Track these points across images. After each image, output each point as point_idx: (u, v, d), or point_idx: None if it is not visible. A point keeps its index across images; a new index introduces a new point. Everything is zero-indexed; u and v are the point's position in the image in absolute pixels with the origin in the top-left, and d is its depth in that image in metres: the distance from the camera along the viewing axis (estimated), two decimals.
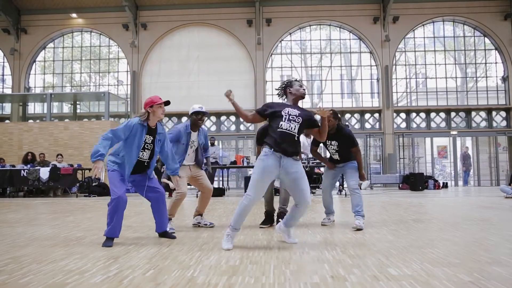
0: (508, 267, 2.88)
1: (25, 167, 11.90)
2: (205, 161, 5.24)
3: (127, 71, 17.62)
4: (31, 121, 17.35)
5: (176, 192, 4.87)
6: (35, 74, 18.22)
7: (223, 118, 17.26)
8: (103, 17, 17.37)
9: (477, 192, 12.53)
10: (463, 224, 5.13)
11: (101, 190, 12.12)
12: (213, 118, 17.26)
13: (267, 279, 2.64)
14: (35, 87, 18.20)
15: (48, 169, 11.65)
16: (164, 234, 4.28)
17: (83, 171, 12.86)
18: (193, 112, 4.92)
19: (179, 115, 17.10)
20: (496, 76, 17.14)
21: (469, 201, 8.82)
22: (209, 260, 3.22)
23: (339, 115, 5.07)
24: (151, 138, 4.08)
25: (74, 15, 17.47)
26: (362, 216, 4.82)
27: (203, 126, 5.12)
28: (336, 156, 5.13)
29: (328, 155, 5.38)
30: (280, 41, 17.26)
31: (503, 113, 16.90)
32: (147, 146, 4.06)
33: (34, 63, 18.11)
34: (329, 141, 5.08)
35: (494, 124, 16.86)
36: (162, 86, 16.91)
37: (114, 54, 18.10)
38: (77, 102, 18.20)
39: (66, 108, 18.89)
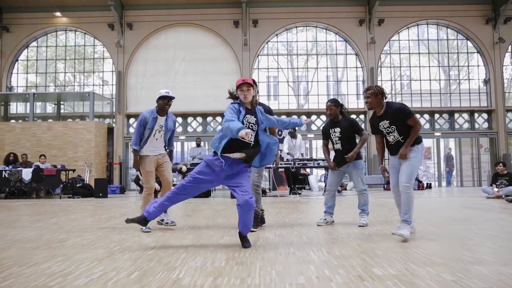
0: (489, 266, 2.93)
1: (7, 168, 11.68)
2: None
3: (112, 71, 17.42)
4: (13, 121, 17.02)
5: (145, 187, 5.04)
6: (17, 73, 17.88)
7: (209, 118, 17.20)
8: (88, 16, 17.14)
9: (460, 192, 12.73)
10: (446, 224, 5.21)
11: (86, 191, 11.97)
12: (199, 119, 17.19)
13: (253, 280, 2.63)
14: (17, 86, 17.87)
15: (30, 170, 11.45)
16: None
17: (67, 172, 12.68)
18: (159, 97, 5.02)
19: None
20: (478, 79, 17.44)
21: (452, 202, 8.96)
22: (195, 261, 3.21)
23: (341, 103, 5.20)
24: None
25: (58, 13, 17.20)
26: (367, 214, 5.14)
27: (170, 112, 5.20)
28: (338, 146, 5.11)
29: (331, 156, 5.33)
30: (267, 42, 17.28)
31: (485, 115, 17.20)
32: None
33: (17, 62, 17.78)
34: (332, 129, 5.13)
35: (476, 125, 17.15)
36: (148, 87, 16.77)
37: (99, 53, 17.88)
38: (61, 102, 17.96)
39: (50, 108, 18.61)
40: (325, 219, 5.18)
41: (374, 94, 4.24)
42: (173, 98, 5.07)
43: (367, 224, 5.02)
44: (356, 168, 5.13)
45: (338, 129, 5.09)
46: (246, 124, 3.77)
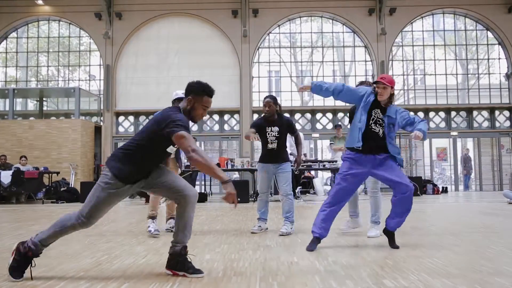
0: (511, 278, 2.94)
1: None
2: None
3: (100, 65, 17.43)
4: None
5: None
6: None
7: (205, 117, 17.18)
8: (73, 5, 17.10)
9: (479, 197, 12.73)
10: (464, 231, 5.21)
11: (71, 195, 11.96)
12: None
13: None
14: None
15: (10, 172, 11.45)
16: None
17: (50, 174, 12.68)
18: (176, 99, 5.12)
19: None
20: (500, 73, 17.45)
21: (470, 207, 8.96)
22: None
23: (278, 102, 5.34)
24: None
25: (40, 1, 17.18)
26: (291, 222, 5.19)
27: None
28: (274, 145, 5.20)
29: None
30: (268, 34, 17.29)
31: (507, 113, 17.19)
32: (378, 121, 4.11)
33: None
34: (270, 128, 5.20)
35: (497, 124, 17.15)
36: (139, 82, 16.79)
37: (86, 46, 17.90)
38: (44, 99, 17.96)
39: (31, 105, 18.62)
40: (260, 226, 5.31)
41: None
42: None
43: (290, 233, 5.06)
44: (284, 170, 5.23)
45: (276, 128, 5.19)
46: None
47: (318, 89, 4.21)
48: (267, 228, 5.43)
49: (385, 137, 4.06)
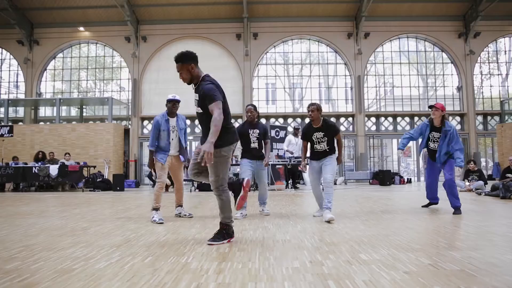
0: (461, 251, 2.94)
1: (36, 165, 11.68)
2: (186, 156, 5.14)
3: (129, 79, 17.41)
4: (42, 123, 17.04)
5: (158, 181, 4.92)
6: (46, 81, 17.87)
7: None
8: (108, 31, 17.13)
9: None
10: (424, 214, 5.21)
11: (105, 185, 11.96)
12: None
13: (253, 264, 2.64)
14: (45, 92, 17.86)
15: (57, 166, 11.46)
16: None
17: (88, 168, 12.67)
18: (167, 100, 4.98)
19: None
20: (452, 86, 17.43)
21: None
22: (202, 248, 3.21)
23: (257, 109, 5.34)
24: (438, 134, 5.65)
25: (81, 28, 17.19)
26: (265, 204, 5.45)
27: (179, 113, 5.13)
28: (255, 145, 5.20)
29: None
30: (266, 53, 17.26)
31: (458, 118, 17.19)
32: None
33: (45, 71, 17.77)
34: (252, 130, 5.21)
35: None
36: (160, 92, 16.75)
37: (117, 63, 17.87)
38: (83, 106, 17.94)
39: (74, 111, 18.59)
40: (242, 213, 5.02)
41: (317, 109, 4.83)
42: (179, 101, 4.98)
43: (269, 213, 5.30)
44: (263, 167, 5.25)
45: (256, 131, 5.19)
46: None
47: (404, 146, 5.63)
48: (246, 215, 5.13)
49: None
